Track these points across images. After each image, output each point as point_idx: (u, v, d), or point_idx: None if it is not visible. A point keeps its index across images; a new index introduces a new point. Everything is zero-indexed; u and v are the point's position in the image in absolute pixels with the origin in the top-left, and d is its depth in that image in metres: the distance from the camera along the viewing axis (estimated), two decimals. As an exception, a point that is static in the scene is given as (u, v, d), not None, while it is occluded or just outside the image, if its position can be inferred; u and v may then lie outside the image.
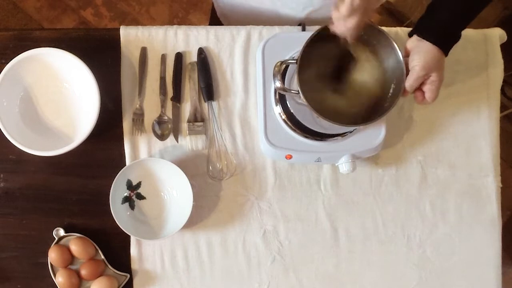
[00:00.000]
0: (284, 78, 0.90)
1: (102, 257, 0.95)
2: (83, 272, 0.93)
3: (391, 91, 0.85)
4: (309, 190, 0.99)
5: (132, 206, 0.96)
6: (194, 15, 1.96)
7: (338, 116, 0.83)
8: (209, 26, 1.01)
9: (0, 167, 0.97)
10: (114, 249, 0.96)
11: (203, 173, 0.97)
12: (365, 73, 0.86)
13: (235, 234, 0.98)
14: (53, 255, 0.92)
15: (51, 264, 0.94)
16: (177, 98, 0.97)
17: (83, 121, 0.94)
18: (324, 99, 0.86)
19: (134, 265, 0.97)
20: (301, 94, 0.81)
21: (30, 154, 0.89)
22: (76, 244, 0.93)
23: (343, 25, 0.75)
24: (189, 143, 0.97)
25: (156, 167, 0.95)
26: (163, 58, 0.99)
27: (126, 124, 0.97)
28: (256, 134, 0.98)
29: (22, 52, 0.90)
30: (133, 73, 0.98)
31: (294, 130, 0.92)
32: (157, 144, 0.97)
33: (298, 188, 0.99)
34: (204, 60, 0.98)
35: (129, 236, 0.95)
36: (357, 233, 1.00)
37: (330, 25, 0.78)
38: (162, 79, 0.98)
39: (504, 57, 1.03)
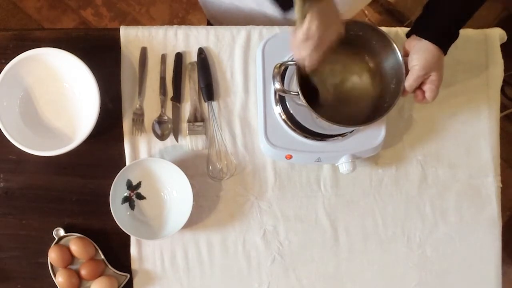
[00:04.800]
0: (284, 79, 0.90)
1: (102, 257, 0.95)
2: (83, 272, 0.93)
3: (391, 91, 0.85)
4: (309, 190, 0.99)
5: (132, 206, 0.96)
6: (194, 15, 1.96)
7: (337, 117, 0.83)
8: (209, 26, 1.01)
9: (0, 167, 0.97)
10: (114, 249, 0.96)
11: (203, 173, 0.97)
12: (364, 74, 0.86)
13: (235, 234, 0.98)
14: (53, 255, 0.92)
15: (51, 264, 0.93)
16: (177, 98, 0.97)
17: (83, 121, 0.94)
18: (323, 100, 0.86)
19: (134, 265, 0.97)
20: (300, 96, 0.81)
21: (30, 154, 0.89)
22: (76, 244, 0.92)
23: (298, 53, 0.76)
24: (189, 143, 0.96)
25: (156, 167, 0.95)
26: (163, 58, 0.99)
27: (126, 124, 0.97)
28: (256, 134, 0.98)
29: (22, 52, 0.90)
30: (133, 73, 0.98)
31: (294, 130, 0.92)
32: (157, 144, 0.97)
33: (298, 188, 0.99)
34: (204, 60, 0.98)
35: (129, 236, 0.95)
36: (357, 233, 1.00)
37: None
38: (162, 79, 0.98)
39: (504, 57, 1.03)
